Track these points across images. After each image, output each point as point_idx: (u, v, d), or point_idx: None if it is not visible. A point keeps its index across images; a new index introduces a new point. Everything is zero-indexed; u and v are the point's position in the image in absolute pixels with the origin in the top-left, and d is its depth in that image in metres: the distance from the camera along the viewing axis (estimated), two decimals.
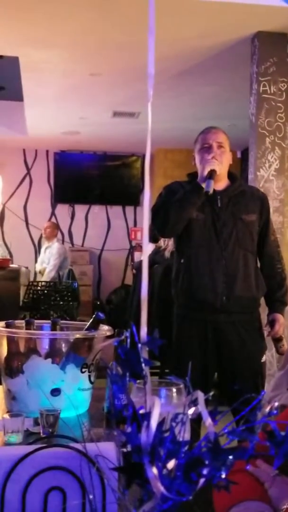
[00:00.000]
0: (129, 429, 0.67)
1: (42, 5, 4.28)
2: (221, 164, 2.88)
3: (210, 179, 2.80)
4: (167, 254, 5.07)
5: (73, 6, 4.30)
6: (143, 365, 0.67)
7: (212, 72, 5.68)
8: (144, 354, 0.67)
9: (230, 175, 3.04)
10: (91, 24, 4.64)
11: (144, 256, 0.80)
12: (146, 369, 0.68)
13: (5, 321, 2.12)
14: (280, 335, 3.04)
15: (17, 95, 6.97)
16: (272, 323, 3.02)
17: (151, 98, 0.69)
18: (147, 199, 0.82)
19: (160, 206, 2.92)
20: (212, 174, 2.82)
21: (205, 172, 2.84)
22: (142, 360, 0.67)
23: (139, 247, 9.57)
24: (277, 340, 3.06)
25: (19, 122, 7.85)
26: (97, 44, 5.07)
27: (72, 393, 1.97)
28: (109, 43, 5.02)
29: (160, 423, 0.67)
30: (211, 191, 2.78)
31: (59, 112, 7.35)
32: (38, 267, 8.52)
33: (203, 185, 2.80)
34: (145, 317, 0.70)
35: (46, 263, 8.39)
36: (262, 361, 2.97)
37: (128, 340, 1.72)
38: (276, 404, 0.71)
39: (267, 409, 0.72)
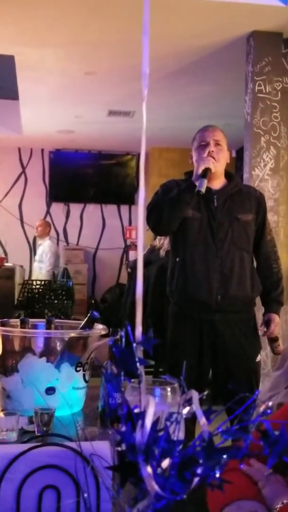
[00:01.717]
0: (123, 428, 0.68)
1: (37, 4, 4.28)
2: (217, 162, 2.87)
3: (203, 178, 2.79)
4: (162, 253, 5.08)
5: (68, 5, 4.29)
6: (138, 364, 0.67)
7: (207, 71, 5.68)
8: (139, 353, 0.68)
9: (227, 174, 3.04)
10: (86, 23, 4.63)
11: (139, 255, 0.80)
12: (141, 368, 0.68)
13: (0, 320, 2.12)
14: (275, 335, 3.03)
15: (12, 94, 6.96)
16: (267, 323, 3.01)
17: (146, 98, 0.69)
18: (142, 198, 0.82)
19: (155, 204, 2.91)
20: (206, 173, 2.81)
21: (200, 170, 2.83)
22: (137, 359, 0.67)
23: (134, 246, 9.57)
24: (273, 340, 3.06)
25: (14, 121, 7.84)
26: (92, 43, 5.07)
27: (67, 391, 1.98)
28: (104, 42, 5.02)
29: (155, 422, 0.67)
30: (203, 190, 2.77)
31: (54, 111, 7.34)
32: (36, 264, 8.55)
33: (197, 184, 2.80)
34: (140, 317, 0.70)
35: (37, 260, 8.43)
36: (256, 360, 2.97)
37: (123, 339, 1.72)
38: (271, 403, 0.71)
39: (261, 408, 0.73)
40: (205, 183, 2.78)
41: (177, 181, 3.02)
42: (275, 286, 3.04)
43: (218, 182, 2.97)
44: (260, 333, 3.02)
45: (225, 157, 2.94)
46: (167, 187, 2.98)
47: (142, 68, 0.66)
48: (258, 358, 2.99)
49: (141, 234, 0.85)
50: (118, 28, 4.66)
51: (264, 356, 4.24)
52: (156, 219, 2.88)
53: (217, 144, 2.89)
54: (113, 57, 5.38)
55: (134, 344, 0.68)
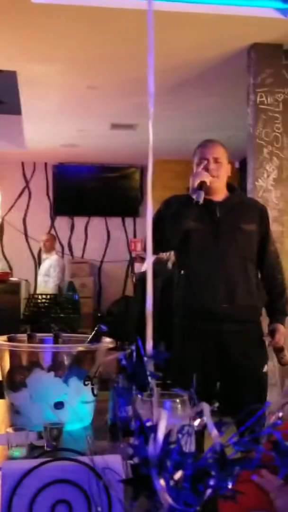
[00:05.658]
0: (136, 442, 0.68)
1: (39, 20, 4.31)
2: (217, 178, 2.92)
3: (200, 190, 2.84)
4: (169, 265, 5.08)
5: (70, 20, 4.33)
6: (149, 378, 0.68)
7: (210, 84, 5.71)
8: (150, 367, 0.68)
9: (229, 186, 3.06)
10: (88, 38, 4.67)
11: (148, 269, 0.81)
12: (152, 382, 0.69)
13: (7, 335, 2.12)
14: (281, 345, 3.03)
15: (15, 109, 7.01)
16: (272, 333, 3.02)
17: (152, 116, 0.70)
18: (149, 213, 0.83)
19: (156, 221, 2.93)
20: (202, 186, 2.85)
21: (195, 184, 2.86)
22: (148, 373, 0.68)
23: (139, 258, 9.57)
24: (279, 350, 3.06)
25: (18, 136, 7.88)
26: (94, 58, 5.10)
27: (75, 406, 1.98)
28: (106, 56, 5.05)
29: (167, 435, 0.68)
30: (201, 200, 2.82)
31: (57, 125, 7.38)
32: (40, 278, 8.58)
33: (194, 196, 2.83)
34: (150, 331, 0.71)
35: (42, 274, 8.44)
36: (263, 371, 2.97)
37: (134, 354, 1.73)
38: (281, 414, 0.72)
39: (272, 419, 0.73)
40: (202, 194, 2.85)
41: (178, 196, 3.03)
42: (279, 297, 3.05)
43: (220, 195, 3.00)
44: (266, 343, 3.03)
45: (226, 171, 2.99)
46: (169, 203, 3.00)
47: (148, 88, 0.67)
48: (265, 368, 2.98)
49: (150, 247, 0.86)
50: (119, 42, 4.69)
51: (271, 366, 4.23)
52: (158, 236, 2.88)
53: (216, 161, 2.93)
54: (115, 71, 5.41)
55: (146, 359, 0.69)
